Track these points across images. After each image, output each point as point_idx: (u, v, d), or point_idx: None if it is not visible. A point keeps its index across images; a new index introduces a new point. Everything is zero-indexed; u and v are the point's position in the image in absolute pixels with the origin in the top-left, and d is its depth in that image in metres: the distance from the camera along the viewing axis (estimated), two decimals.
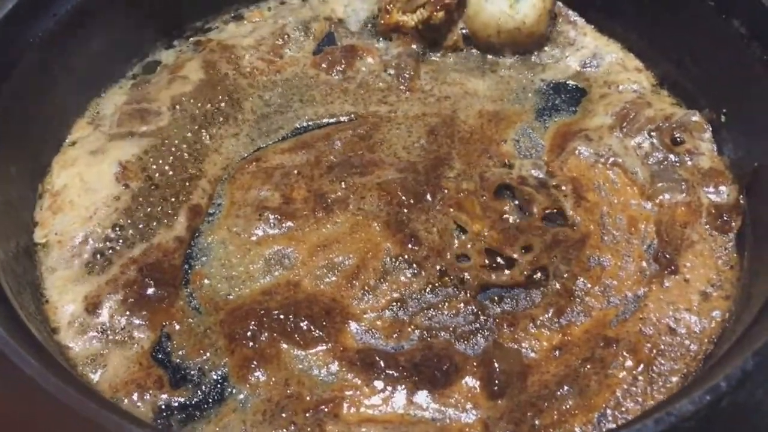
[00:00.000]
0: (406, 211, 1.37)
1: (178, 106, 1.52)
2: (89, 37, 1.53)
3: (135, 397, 1.14)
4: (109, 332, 1.22)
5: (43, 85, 1.43)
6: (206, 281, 1.30)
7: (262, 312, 1.23)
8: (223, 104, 1.55)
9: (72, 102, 1.53)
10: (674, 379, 1.16)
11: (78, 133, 1.51)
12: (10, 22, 1.34)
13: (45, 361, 0.97)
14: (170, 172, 1.43)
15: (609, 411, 1.12)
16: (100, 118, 1.54)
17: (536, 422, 1.12)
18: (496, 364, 1.16)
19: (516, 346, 1.20)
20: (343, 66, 1.64)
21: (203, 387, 1.17)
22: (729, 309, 1.23)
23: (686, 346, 1.20)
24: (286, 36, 1.70)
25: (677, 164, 1.42)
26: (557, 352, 1.20)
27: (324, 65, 1.64)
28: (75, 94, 1.53)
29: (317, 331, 1.21)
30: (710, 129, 1.45)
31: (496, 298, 1.27)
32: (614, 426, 1.10)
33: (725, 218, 1.34)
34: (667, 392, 1.14)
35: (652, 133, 1.46)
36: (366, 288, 1.28)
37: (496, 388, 1.14)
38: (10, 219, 1.30)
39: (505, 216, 1.36)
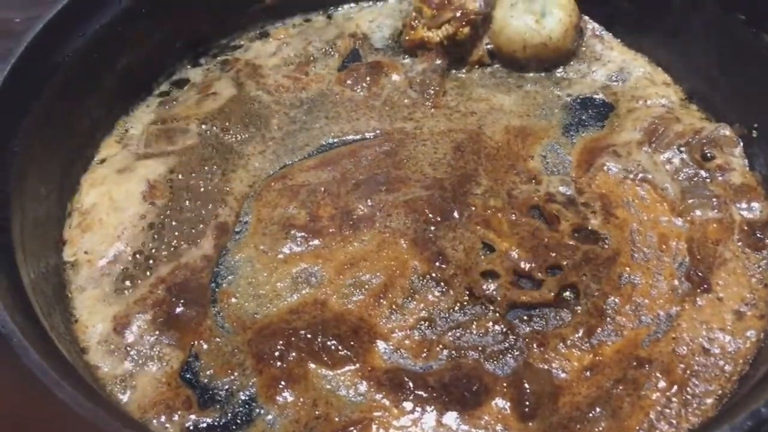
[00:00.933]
0: (433, 228, 1.36)
1: (205, 125, 1.53)
2: (116, 55, 1.55)
3: (163, 418, 1.14)
4: (138, 352, 1.21)
5: (71, 104, 1.44)
6: (233, 300, 1.29)
7: (289, 331, 1.22)
8: (249, 122, 1.56)
9: (100, 121, 1.54)
10: (709, 400, 1.13)
11: (106, 152, 1.52)
12: (39, 43, 1.35)
13: (77, 384, 0.97)
14: (197, 190, 1.44)
15: None
16: (128, 136, 1.55)
17: None
18: (527, 385, 1.14)
19: (546, 367, 1.19)
20: (368, 82, 1.64)
21: (231, 407, 1.16)
22: (764, 329, 1.21)
23: (720, 366, 1.17)
24: (311, 53, 1.71)
25: (708, 180, 1.40)
26: (588, 373, 1.18)
27: (349, 82, 1.64)
28: (103, 112, 1.54)
29: (345, 351, 1.20)
30: (741, 144, 1.43)
31: (525, 317, 1.25)
32: None
33: (758, 235, 1.32)
34: (702, 414, 1.12)
35: (682, 149, 1.44)
36: (394, 307, 1.27)
37: (526, 409, 1.13)
38: (39, 238, 1.30)
39: (533, 234, 1.35)
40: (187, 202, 1.42)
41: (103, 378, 1.18)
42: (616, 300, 1.26)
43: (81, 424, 0.92)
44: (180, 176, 1.45)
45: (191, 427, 1.14)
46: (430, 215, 1.37)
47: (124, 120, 1.58)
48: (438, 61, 1.65)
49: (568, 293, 1.28)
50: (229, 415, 1.16)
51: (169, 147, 1.50)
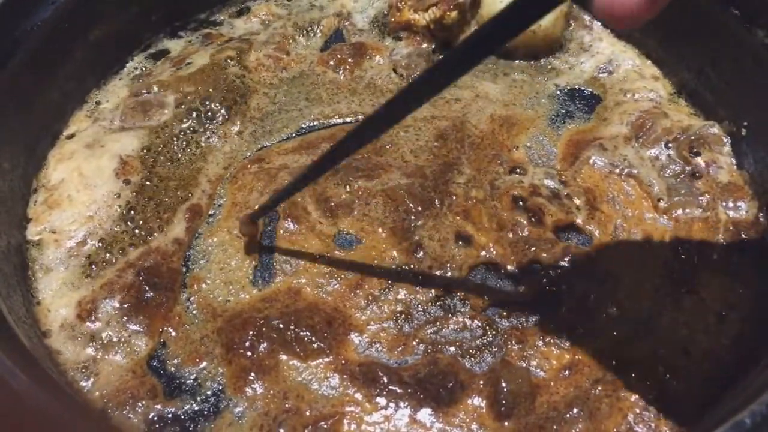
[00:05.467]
0: (412, 218, 1.32)
1: (181, 101, 1.47)
2: (89, 26, 1.49)
3: (127, 407, 1.09)
4: (103, 338, 1.16)
5: (40, 76, 1.38)
6: (204, 286, 1.25)
7: (261, 321, 1.18)
8: (227, 101, 1.50)
9: (70, 93, 1.48)
10: (689, 404, 1.11)
11: (76, 126, 1.46)
12: (6, 10, 1.29)
13: (32, 374, 0.92)
14: (171, 170, 1.39)
15: None
16: (99, 110, 1.49)
17: None
18: (504, 383, 1.11)
19: (524, 365, 1.16)
20: (351, 65, 1.59)
21: (198, 398, 1.12)
22: (746, 332, 1.19)
23: (701, 369, 1.15)
24: (293, 32, 1.65)
25: (695, 178, 1.37)
26: (567, 372, 1.15)
27: (331, 63, 1.59)
28: (73, 85, 1.48)
29: (318, 343, 1.17)
30: (729, 142, 1.40)
31: (504, 312, 1.22)
32: None
33: (744, 236, 1.30)
34: (682, 418, 1.09)
35: (669, 145, 1.41)
36: (370, 298, 1.23)
37: (503, 408, 1.10)
38: (2, 215, 1.24)
39: (513, 228, 1.31)
40: (160, 182, 1.37)
41: (64, 364, 1.13)
42: (598, 298, 1.23)
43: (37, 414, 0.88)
44: (153, 154, 1.40)
45: (155, 418, 1.10)
46: (410, 204, 1.33)
47: (96, 93, 1.53)
48: (423, 45, 1.60)
49: (548, 290, 1.24)
50: (196, 406, 1.12)
51: (144, 121, 1.44)
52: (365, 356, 1.17)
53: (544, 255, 1.28)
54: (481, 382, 1.13)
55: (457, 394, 1.12)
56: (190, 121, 1.46)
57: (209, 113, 1.48)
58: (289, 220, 1.32)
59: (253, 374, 1.13)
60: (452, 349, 1.17)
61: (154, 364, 1.16)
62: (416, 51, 1.59)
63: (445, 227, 1.31)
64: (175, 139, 1.43)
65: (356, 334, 1.19)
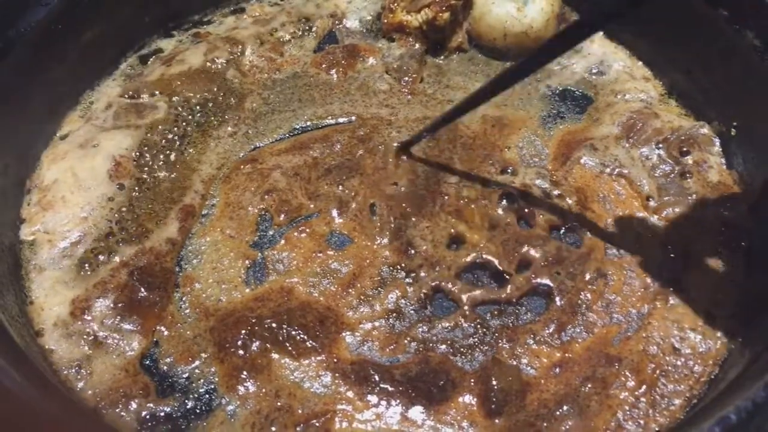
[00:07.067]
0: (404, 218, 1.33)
1: (174, 101, 1.48)
2: (82, 27, 1.49)
3: (120, 406, 1.10)
4: (96, 337, 1.17)
5: (33, 77, 1.38)
6: (197, 285, 1.26)
7: (253, 320, 1.19)
8: (220, 101, 1.51)
9: (63, 94, 1.48)
10: (677, 401, 1.12)
11: (69, 127, 1.47)
12: (0, 12, 1.29)
13: (25, 372, 0.92)
14: (164, 170, 1.40)
15: None
16: (92, 111, 1.50)
17: None
18: (494, 381, 1.12)
19: (515, 363, 1.17)
20: (344, 66, 1.59)
21: (191, 396, 1.13)
22: (734, 329, 1.20)
23: (690, 367, 1.16)
24: (287, 33, 1.66)
25: (685, 177, 1.38)
26: (557, 370, 1.16)
27: (324, 65, 1.60)
28: (66, 86, 1.49)
29: (310, 341, 1.17)
30: (719, 142, 1.42)
31: (495, 311, 1.23)
32: None
33: (732, 234, 1.30)
34: (670, 415, 1.10)
35: (660, 145, 1.42)
36: (362, 297, 1.24)
37: (493, 406, 1.11)
38: None
39: (505, 227, 1.32)
40: (154, 182, 1.38)
41: (57, 362, 1.14)
42: (588, 296, 1.24)
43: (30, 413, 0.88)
44: (147, 153, 1.40)
45: (148, 417, 1.10)
46: (402, 204, 1.34)
47: (89, 94, 1.53)
48: (416, 46, 1.61)
49: (539, 288, 1.25)
50: (189, 404, 1.12)
51: (136, 121, 1.45)
52: (357, 355, 1.18)
53: (535, 254, 1.28)
54: (472, 380, 1.14)
55: (449, 392, 1.13)
56: (183, 121, 1.47)
57: (202, 113, 1.49)
58: (282, 217, 1.33)
59: (245, 373, 1.14)
60: (443, 347, 1.18)
61: (147, 362, 1.17)
62: (409, 52, 1.60)
63: (437, 226, 1.32)
64: (168, 139, 1.44)
65: (348, 332, 1.20)
